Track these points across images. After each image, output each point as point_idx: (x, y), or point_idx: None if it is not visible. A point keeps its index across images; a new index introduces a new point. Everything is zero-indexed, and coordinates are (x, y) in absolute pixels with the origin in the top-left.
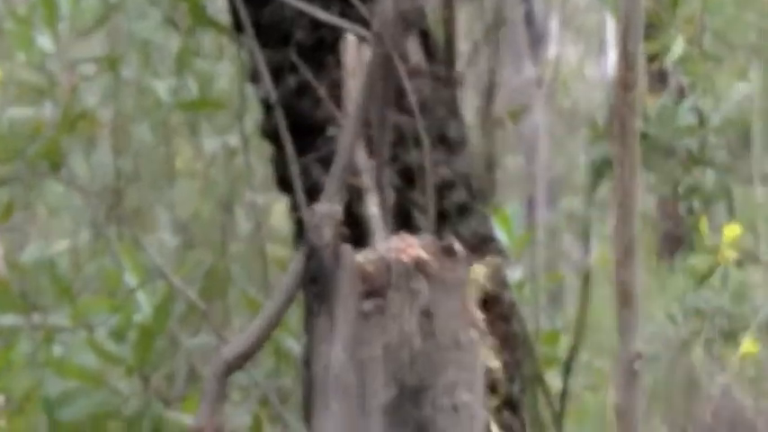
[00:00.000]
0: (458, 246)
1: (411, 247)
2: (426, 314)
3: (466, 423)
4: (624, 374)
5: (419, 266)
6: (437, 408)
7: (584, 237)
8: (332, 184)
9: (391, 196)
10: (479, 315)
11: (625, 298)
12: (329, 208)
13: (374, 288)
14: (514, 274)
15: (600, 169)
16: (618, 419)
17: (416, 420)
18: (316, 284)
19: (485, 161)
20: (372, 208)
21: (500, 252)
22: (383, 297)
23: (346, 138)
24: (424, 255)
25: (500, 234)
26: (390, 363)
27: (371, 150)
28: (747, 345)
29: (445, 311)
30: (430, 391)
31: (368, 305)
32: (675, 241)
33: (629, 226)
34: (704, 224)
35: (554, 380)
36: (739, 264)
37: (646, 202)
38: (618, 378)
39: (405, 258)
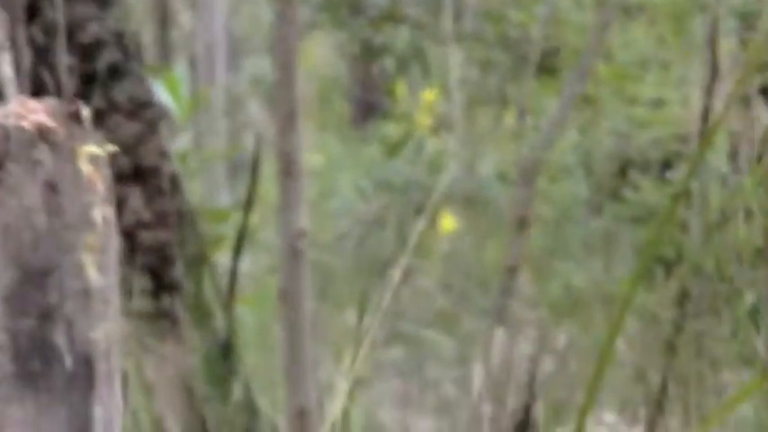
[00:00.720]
0: (87, 111)
1: (34, 112)
2: (51, 188)
3: (98, 308)
4: (287, 254)
5: (42, 134)
6: (65, 292)
7: (270, 103)
8: None
9: (28, 56)
10: (119, 189)
11: (287, 169)
12: None
13: None
14: (179, 143)
15: None
16: (281, 303)
17: (41, 306)
18: None
19: (156, 17)
20: (4, 69)
21: (162, 118)
22: (0, 169)
23: None
24: (48, 121)
25: (166, 98)
26: (10, 243)
27: (4, 4)
28: (444, 220)
29: (73, 185)
30: (56, 274)
31: None
32: (369, 108)
33: (290, 90)
34: (401, 88)
35: (225, 261)
36: (434, 131)
37: (337, 65)
38: (281, 258)
39: (26, 125)
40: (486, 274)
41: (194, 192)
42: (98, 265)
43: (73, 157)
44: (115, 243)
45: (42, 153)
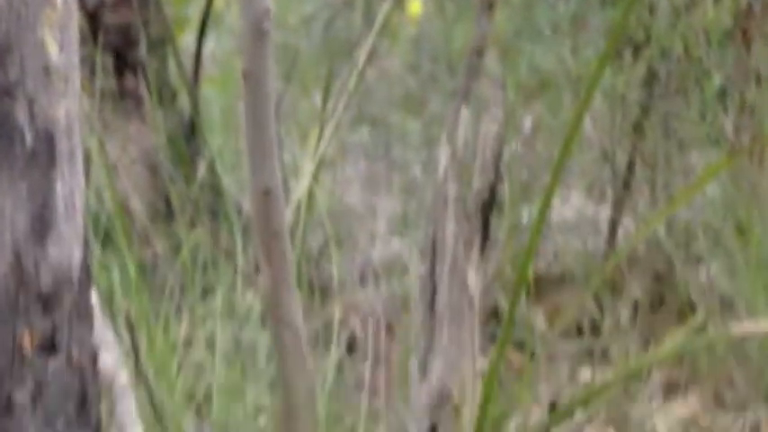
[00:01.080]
0: None
1: None
2: None
3: (59, 86)
4: (251, 34)
5: None
6: (25, 69)
7: None
8: None
9: None
10: None
11: None
12: None
13: None
14: None
15: None
16: (245, 83)
17: (2, 84)
18: None
19: None
20: None
21: None
22: None
23: None
24: None
25: None
26: None
27: None
28: (412, 3)
29: None
30: (16, 51)
31: None
32: None
33: None
34: None
35: (190, 44)
36: None
37: None
38: (245, 38)
39: None
40: (454, 57)
41: None
42: (59, 42)
43: None
44: (75, 21)
45: None
